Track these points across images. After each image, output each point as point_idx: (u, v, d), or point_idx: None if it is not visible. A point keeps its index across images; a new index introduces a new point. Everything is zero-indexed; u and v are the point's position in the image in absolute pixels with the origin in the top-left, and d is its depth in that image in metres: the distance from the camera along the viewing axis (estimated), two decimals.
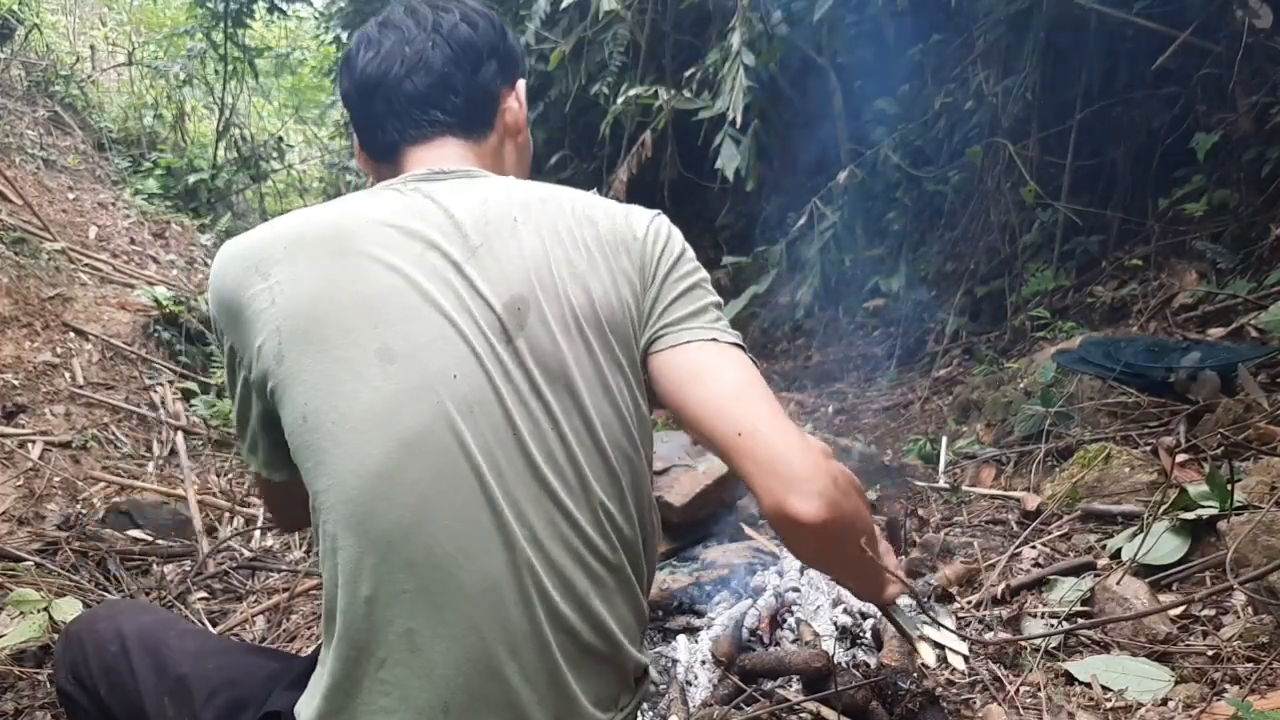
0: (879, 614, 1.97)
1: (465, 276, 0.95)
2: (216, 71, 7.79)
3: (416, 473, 0.90)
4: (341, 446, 0.91)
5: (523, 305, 0.95)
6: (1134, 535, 2.04)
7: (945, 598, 2.13)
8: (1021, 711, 1.59)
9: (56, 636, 2.04)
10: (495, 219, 0.99)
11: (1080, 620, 1.83)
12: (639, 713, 1.09)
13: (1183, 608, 1.80)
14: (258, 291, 0.95)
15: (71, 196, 5.96)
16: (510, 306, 0.95)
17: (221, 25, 7.34)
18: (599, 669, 0.99)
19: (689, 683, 1.88)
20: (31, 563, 2.49)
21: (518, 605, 0.92)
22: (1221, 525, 1.90)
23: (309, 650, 2.17)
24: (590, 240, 1.01)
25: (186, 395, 4.19)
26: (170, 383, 4.22)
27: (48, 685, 1.98)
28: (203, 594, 2.56)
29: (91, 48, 8.54)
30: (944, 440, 3.30)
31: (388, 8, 1.15)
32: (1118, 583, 1.86)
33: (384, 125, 1.10)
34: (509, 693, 0.92)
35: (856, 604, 2.08)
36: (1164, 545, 1.97)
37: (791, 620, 2.03)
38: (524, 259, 0.97)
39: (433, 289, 0.94)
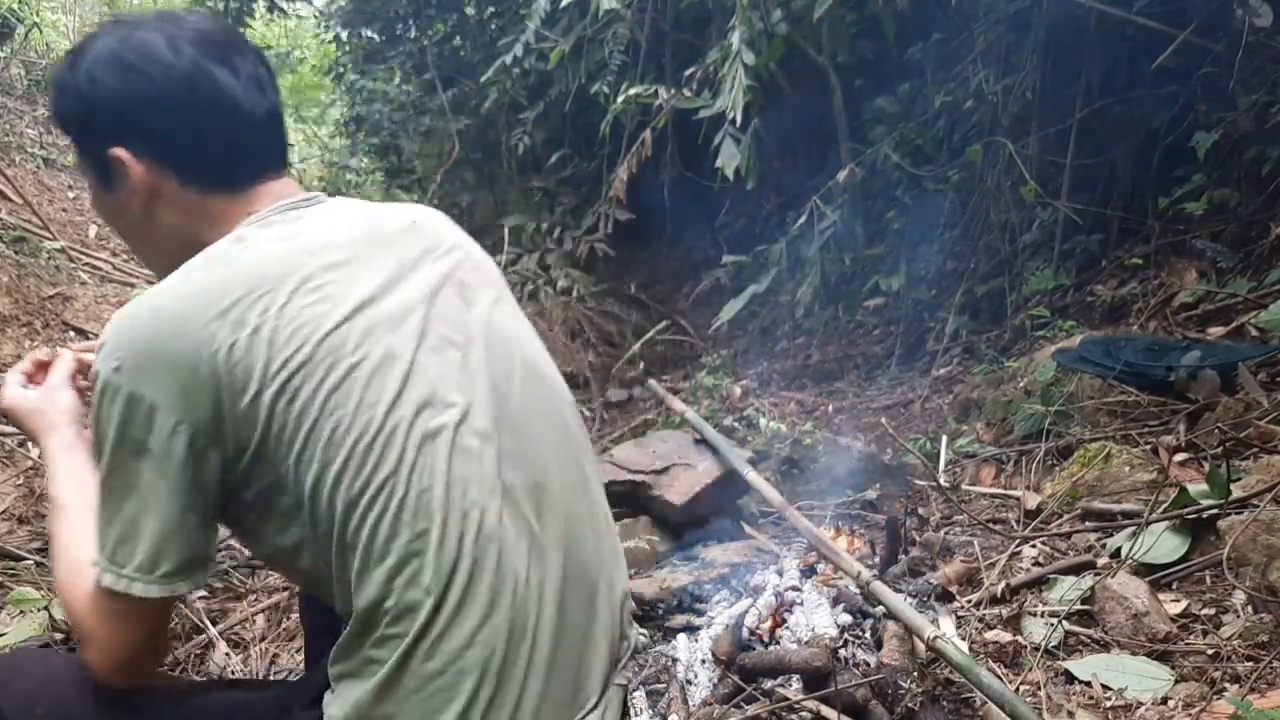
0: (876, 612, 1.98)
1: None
2: None
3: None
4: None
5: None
6: (1134, 534, 2.04)
7: (945, 597, 2.14)
8: None
9: (58, 636, 2.04)
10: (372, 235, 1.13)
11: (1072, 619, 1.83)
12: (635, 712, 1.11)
13: (1183, 605, 1.81)
14: (236, 341, 0.92)
15: (71, 195, 5.96)
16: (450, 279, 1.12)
17: None
18: None
19: (689, 682, 1.88)
20: (32, 561, 2.49)
21: None
22: (1221, 524, 1.90)
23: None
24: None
25: None
26: None
27: None
28: (203, 593, 2.56)
29: None
30: (944, 439, 3.30)
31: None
32: (1118, 582, 1.86)
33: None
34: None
35: (857, 603, 2.08)
36: (1164, 544, 1.97)
37: (791, 619, 2.03)
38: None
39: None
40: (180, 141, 1.04)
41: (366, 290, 1.01)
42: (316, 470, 0.93)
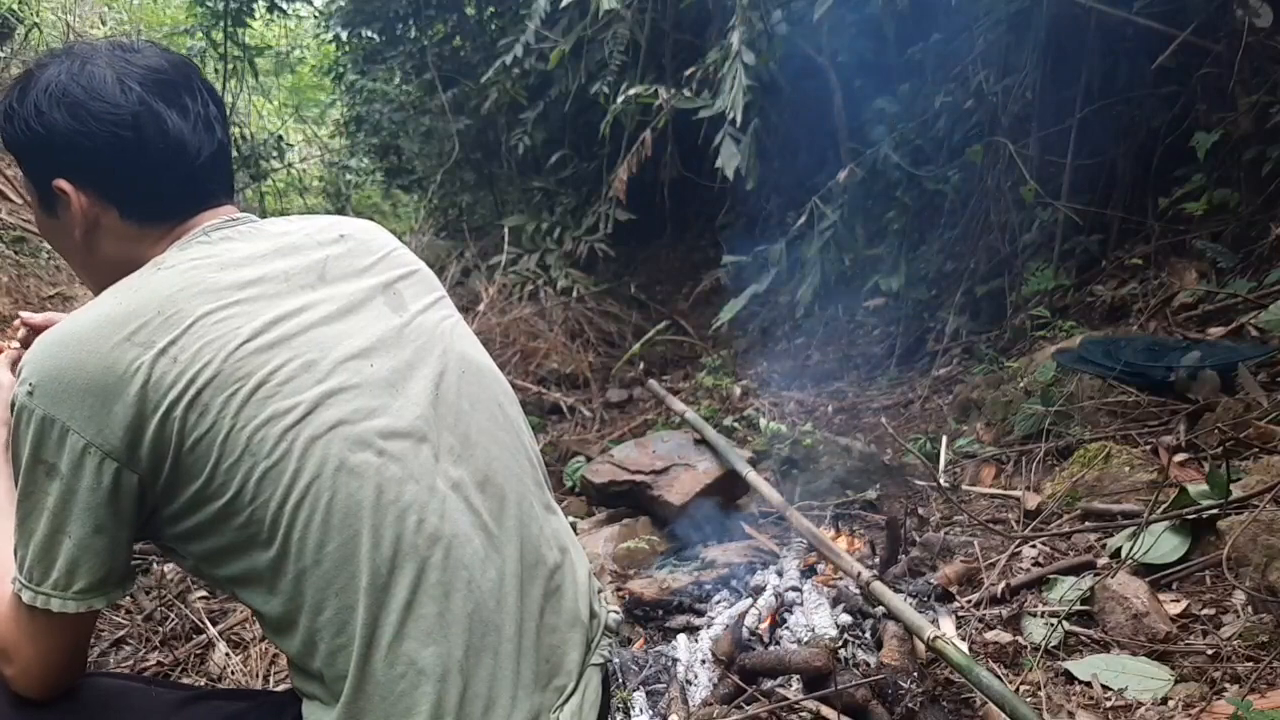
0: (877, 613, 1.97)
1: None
2: (216, 70, 7.77)
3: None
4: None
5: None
6: (1134, 534, 2.04)
7: (945, 597, 2.14)
8: None
9: None
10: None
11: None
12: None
13: (1183, 605, 1.80)
14: (144, 362, 0.91)
15: None
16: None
17: (221, 24, 7.33)
18: None
19: (689, 682, 1.88)
20: None
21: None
22: (1221, 524, 1.90)
23: None
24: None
25: None
26: None
27: None
28: (203, 593, 2.56)
29: None
30: (944, 439, 3.30)
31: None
32: (1118, 582, 1.86)
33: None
34: None
35: (857, 603, 2.08)
36: (1164, 544, 1.97)
37: (791, 619, 2.03)
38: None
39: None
40: (123, 181, 1.04)
41: (285, 305, 1.01)
42: (237, 484, 0.93)
